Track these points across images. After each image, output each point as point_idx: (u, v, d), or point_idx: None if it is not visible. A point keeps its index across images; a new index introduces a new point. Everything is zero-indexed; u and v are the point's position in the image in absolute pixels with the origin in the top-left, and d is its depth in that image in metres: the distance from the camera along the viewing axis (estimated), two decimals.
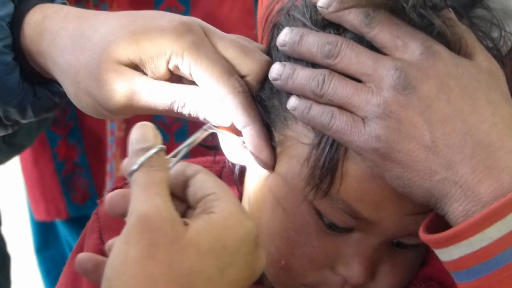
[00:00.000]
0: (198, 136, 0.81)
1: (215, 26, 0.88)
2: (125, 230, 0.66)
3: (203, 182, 0.72)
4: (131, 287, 0.65)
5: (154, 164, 0.70)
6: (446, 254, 0.76)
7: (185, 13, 1.87)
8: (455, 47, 0.79)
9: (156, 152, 0.70)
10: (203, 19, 1.84)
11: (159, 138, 0.72)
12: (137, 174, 0.69)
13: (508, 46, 0.83)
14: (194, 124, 0.86)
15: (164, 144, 0.72)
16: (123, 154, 0.72)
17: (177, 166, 0.74)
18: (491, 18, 0.83)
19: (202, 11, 1.86)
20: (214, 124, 0.82)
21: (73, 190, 1.93)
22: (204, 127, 0.81)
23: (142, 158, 0.70)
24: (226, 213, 0.69)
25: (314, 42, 0.79)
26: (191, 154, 0.85)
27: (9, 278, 1.60)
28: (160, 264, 0.65)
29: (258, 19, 1.10)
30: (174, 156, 0.76)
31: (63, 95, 0.88)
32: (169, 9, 1.86)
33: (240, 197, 0.93)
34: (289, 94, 0.81)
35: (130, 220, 0.66)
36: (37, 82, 0.88)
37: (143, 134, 0.72)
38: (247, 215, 0.72)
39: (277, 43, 0.82)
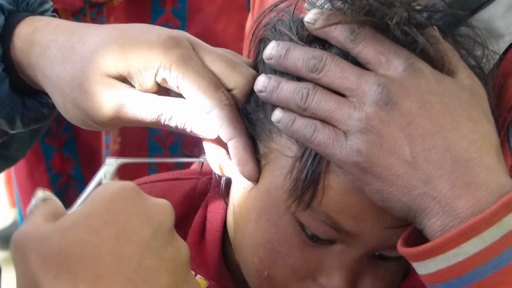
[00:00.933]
0: (107, 171, 0.82)
1: (210, 41, 0.88)
2: None
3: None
4: None
5: (39, 207, 0.73)
6: (423, 267, 0.76)
7: (181, 28, 1.87)
8: (438, 64, 0.79)
9: (38, 202, 0.74)
10: (199, 34, 1.83)
11: (45, 193, 0.75)
12: (30, 212, 0.73)
13: (491, 64, 0.84)
14: (188, 138, 0.87)
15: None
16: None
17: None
18: (475, 36, 0.83)
19: (199, 27, 1.86)
20: (200, 135, 0.84)
21: (67, 202, 1.91)
22: (107, 162, 0.82)
23: (27, 210, 0.74)
24: (90, 196, 0.72)
25: (300, 56, 0.80)
26: (184, 166, 0.86)
27: None
28: (34, 261, 0.67)
29: (245, 33, 1.10)
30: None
31: (51, 106, 0.88)
32: (166, 23, 1.86)
33: (226, 208, 0.93)
34: (273, 107, 0.81)
35: None
36: (26, 93, 0.89)
37: (34, 199, 0.75)
38: (117, 182, 0.72)
39: (264, 56, 0.82)
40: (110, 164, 0.81)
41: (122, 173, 0.92)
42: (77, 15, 1.81)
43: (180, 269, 0.70)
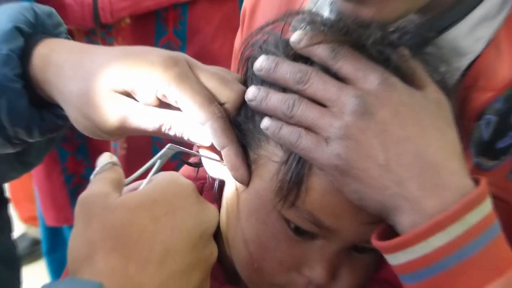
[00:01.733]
0: (164, 154, 0.82)
1: (208, 59, 0.89)
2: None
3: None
4: (80, 255, 0.69)
5: (102, 173, 0.75)
6: (394, 259, 0.77)
7: (181, 47, 1.89)
8: (408, 80, 0.80)
9: (108, 165, 0.77)
10: (197, 52, 1.84)
11: (113, 158, 0.78)
12: (94, 177, 0.76)
13: (454, 80, 0.84)
14: (187, 146, 0.87)
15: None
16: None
17: None
18: (440, 55, 0.84)
19: (197, 46, 1.86)
20: (196, 143, 0.84)
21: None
22: (168, 146, 0.82)
23: (96, 169, 0.76)
24: (156, 181, 0.74)
25: (288, 70, 0.81)
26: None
27: (20, 278, 1.59)
28: (95, 228, 0.69)
29: (234, 51, 1.10)
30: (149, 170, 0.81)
31: (65, 118, 0.88)
32: (168, 43, 1.87)
33: (219, 208, 0.93)
34: (262, 116, 0.82)
35: None
36: (43, 106, 0.89)
37: (101, 159, 0.78)
38: (182, 178, 0.75)
39: (254, 68, 0.83)
40: (171, 149, 0.82)
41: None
42: (89, 34, 1.81)
43: (208, 269, 0.74)
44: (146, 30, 1.84)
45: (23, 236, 3.05)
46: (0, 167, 1.39)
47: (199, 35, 1.90)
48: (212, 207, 0.75)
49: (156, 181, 0.75)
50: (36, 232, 2.71)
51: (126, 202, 0.71)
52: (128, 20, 1.76)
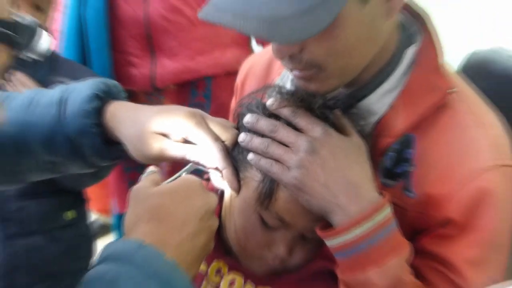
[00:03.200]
0: (188, 169, 0.84)
1: (223, 111, 0.90)
2: None
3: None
4: (130, 224, 0.71)
5: (147, 176, 0.78)
6: (330, 243, 0.76)
7: (207, 104, 1.85)
8: (340, 130, 0.79)
9: (151, 172, 0.79)
10: (217, 107, 1.80)
11: (154, 168, 0.81)
12: (142, 178, 0.78)
13: (368, 130, 0.83)
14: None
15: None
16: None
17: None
18: (360, 114, 0.83)
19: (216, 103, 1.83)
20: (206, 166, 0.83)
21: None
22: (190, 164, 0.84)
23: (144, 174, 0.79)
24: (178, 179, 0.77)
25: (264, 123, 0.80)
26: None
27: (94, 249, 1.56)
28: (140, 208, 0.72)
29: (230, 110, 1.09)
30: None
31: (125, 150, 0.88)
32: (199, 102, 1.82)
33: (220, 208, 0.91)
34: (248, 151, 0.80)
35: None
36: (111, 143, 0.88)
37: (148, 169, 0.80)
38: (193, 177, 0.77)
39: (243, 121, 0.81)
40: (189, 166, 0.84)
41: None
42: (147, 95, 1.79)
43: (211, 235, 0.74)
44: (185, 93, 1.82)
45: (95, 221, 3.04)
46: (82, 179, 1.39)
47: (218, 96, 1.86)
48: (212, 194, 0.75)
49: (179, 178, 0.77)
50: (104, 218, 2.68)
51: (157, 191, 0.73)
52: (173, 86, 1.74)
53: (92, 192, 2.64)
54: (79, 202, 1.48)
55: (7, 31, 0.66)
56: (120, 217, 2.03)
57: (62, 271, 1.40)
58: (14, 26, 0.67)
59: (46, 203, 1.37)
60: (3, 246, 1.34)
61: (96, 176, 1.45)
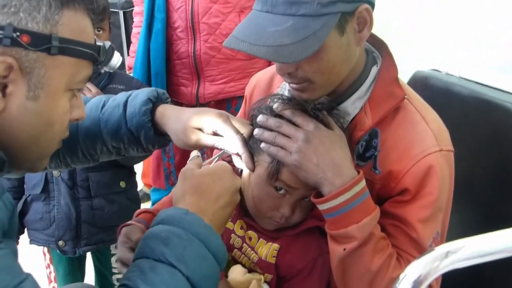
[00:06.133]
0: (220, 155, 0.81)
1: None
2: None
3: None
4: (178, 196, 0.69)
5: (193, 159, 0.75)
6: (321, 207, 0.74)
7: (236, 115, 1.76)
8: (326, 125, 0.77)
9: (195, 157, 0.76)
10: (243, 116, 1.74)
11: (198, 153, 0.78)
12: (188, 161, 0.75)
13: (346, 125, 0.82)
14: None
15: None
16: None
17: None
18: (339, 114, 0.81)
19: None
20: (230, 152, 0.81)
21: (169, 179, 1.85)
22: (222, 151, 0.81)
23: (190, 158, 0.76)
24: (215, 164, 0.75)
25: (272, 121, 0.77)
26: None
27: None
28: (186, 184, 0.70)
29: (241, 113, 1.07)
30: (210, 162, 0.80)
31: (170, 139, 0.86)
32: (231, 114, 1.73)
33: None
34: (260, 141, 0.78)
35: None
36: (160, 134, 0.86)
37: (192, 153, 0.77)
38: (226, 164, 0.74)
39: (257, 120, 0.79)
40: (221, 153, 0.81)
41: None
42: (193, 107, 1.71)
43: (235, 206, 0.72)
44: (221, 107, 1.72)
45: (140, 190, 3.00)
46: (132, 159, 1.36)
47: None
48: (238, 177, 0.73)
49: (215, 164, 0.74)
50: (146, 190, 2.64)
51: (200, 172, 0.71)
52: (212, 102, 1.70)
53: (142, 170, 2.63)
54: (130, 175, 1.45)
55: (94, 53, 0.65)
56: (154, 190, 1.99)
57: (115, 225, 1.37)
58: (99, 49, 0.65)
59: (106, 175, 1.36)
60: (74, 205, 1.33)
61: (140, 158, 1.44)
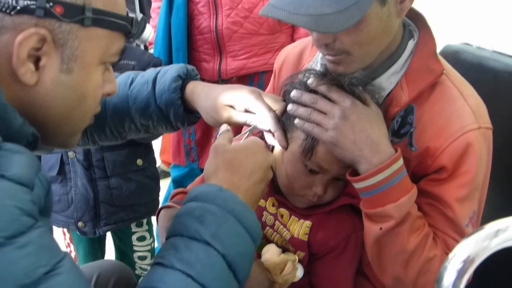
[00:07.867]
0: (251, 129, 0.78)
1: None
2: None
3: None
4: (210, 172, 0.66)
5: (223, 134, 0.71)
6: (357, 185, 0.72)
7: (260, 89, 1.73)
8: (363, 101, 0.73)
9: (226, 131, 0.72)
10: (267, 91, 1.71)
11: (228, 127, 0.73)
12: (219, 135, 0.71)
13: (381, 101, 0.78)
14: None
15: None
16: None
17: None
18: (375, 90, 0.78)
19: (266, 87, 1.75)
20: (263, 129, 0.78)
21: (189, 156, 1.82)
22: (253, 126, 0.78)
23: (219, 132, 0.72)
24: (248, 139, 0.70)
25: (306, 97, 0.74)
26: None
27: (159, 187, 1.50)
28: (218, 159, 0.66)
29: (270, 89, 1.03)
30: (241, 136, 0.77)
31: (199, 117, 0.84)
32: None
33: None
34: (294, 117, 0.75)
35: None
36: (190, 112, 0.83)
37: (222, 127, 0.73)
38: (259, 139, 0.71)
39: (291, 95, 0.76)
40: (252, 127, 0.78)
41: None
42: (215, 83, 1.69)
43: (268, 182, 0.68)
44: (243, 83, 1.68)
45: (159, 167, 2.97)
46: (152, 136, 1.33)
47: (268, 86, 1.77)
48: (271, 153, 0.70)
49: (247, 139, 0.71)
50: (165, 167, 2.62)
51: (232, 148, 0.67)
52: (235, 78, 1.66)
53: (161, 147, 2.61)
54: (147, 152, 1.42)
55: (128, 25, 0.61)
56: (174, 166, 1.95)
57: (135, 203, 1.37)
58: (131, 21, 0.62)
59: (122, 153, 1.33)
60: (91, 186, 1.31)
61: (155, 135, 1.41)
